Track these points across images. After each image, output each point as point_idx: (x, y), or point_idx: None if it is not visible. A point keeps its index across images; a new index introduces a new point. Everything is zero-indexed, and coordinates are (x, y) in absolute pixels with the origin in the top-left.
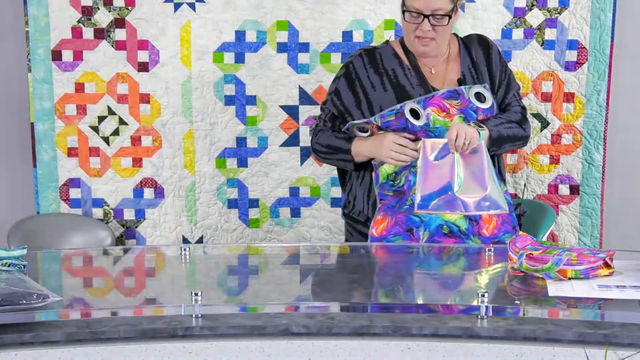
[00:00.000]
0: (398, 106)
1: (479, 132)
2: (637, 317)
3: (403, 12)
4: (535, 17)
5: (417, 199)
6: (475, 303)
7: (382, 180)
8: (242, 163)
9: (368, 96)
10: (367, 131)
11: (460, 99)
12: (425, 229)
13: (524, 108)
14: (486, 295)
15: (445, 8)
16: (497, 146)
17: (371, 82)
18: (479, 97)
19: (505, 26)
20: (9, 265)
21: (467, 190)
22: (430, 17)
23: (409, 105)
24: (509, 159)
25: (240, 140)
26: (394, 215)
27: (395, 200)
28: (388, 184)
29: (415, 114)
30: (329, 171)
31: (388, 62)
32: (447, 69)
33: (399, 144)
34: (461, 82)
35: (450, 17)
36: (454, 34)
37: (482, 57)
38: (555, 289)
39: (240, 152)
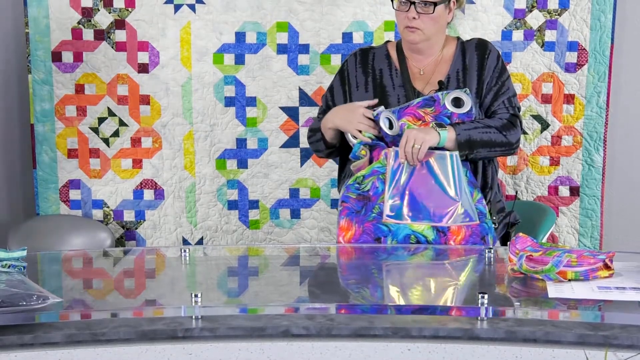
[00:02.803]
0: (375, 113)
1: (439, 134)
2: (637, 318)
3: (392, 1)
4: (535, 19)
5: (386, 208)
6: (475, 304)
7: (350, 182)
8: (242, 164)
9: (352, 95)
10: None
11: (434, 106)
12: (393, 238)
13: (514, 115)
14: (486, 296)
15: None
16: (469, 149)
17: (357, 81)
18: (457, 102)
19: (505, 28)
20: (9, 267)
21: (437, 200)
22: (416, 5)
23: (385, 114)
24: (509, 160)
25: (240, 142)
26: (360, 223)
27: (360, 206)
28: (354, 187)
29: (390, 123)
30: (329, 172)
31: (378, 62)
32: (435, 71)
33: (368, 118)
34: (441, 84)
35: (435, 4)
36: (457, 37)
37: (475, 62)
38: (555, 290)
39: (240, 154)
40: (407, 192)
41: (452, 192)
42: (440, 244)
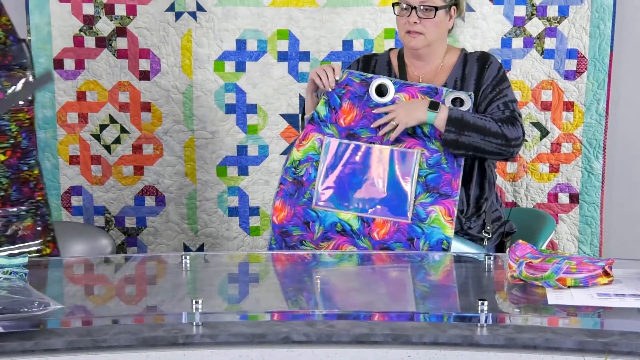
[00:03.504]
0: (370, 75)
1: (426, 115)
2: (636, 325)
3: (394, 7)
4: (534, 27)
5: (315, 195)
6: (474, 311)
7: (288, 165)
8: (243, 171)
9: None
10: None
11: (434, 97)
12: (321, 224)
13: (512, 116)
14: (486, 303)
15: (433, 1)
16: (458, 129)
17: None
18: (456, 102)
19: (505, 35)
20: (10, 274)
21: (368, 192)
22: (418, 9)
23: (380, 79)
24: (509, 167)
25: (241, 149)
26: (293, 206)
27: (294, 189)
28: (290, 171)
29: (380, 92)
30: None
31: (380, 68)
32: (435, 79)
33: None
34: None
35: (436, 9)
36: (462, 49)
37: (475, 72)
38: (554, 297)
39: (241, 161)
40: (338, 181)
41: (406, 187)
42: (364, 235)
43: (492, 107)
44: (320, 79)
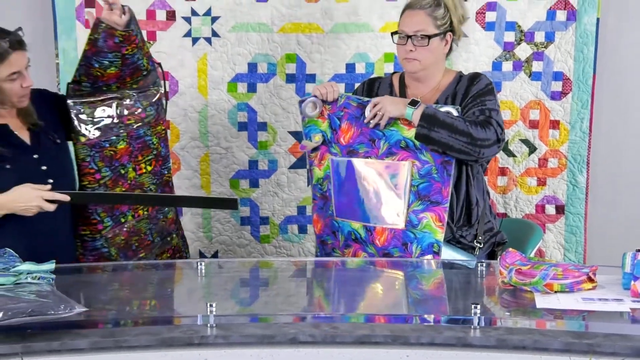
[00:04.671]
0: (366, 99)
1: (406, 107)
2: (619, 327)
3: (392, 36)
4: (523, 51)
5: (334, 208)
6: (468, 314)
7: (315, 182)
8: (254, 184)
9: None
10: (316, 108)
11: None
12: (342, 233)
13: (486, 121)
14: (478, 307)
15: (425, 29)
16: (429, 125)
17: None
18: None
19: (495, 59)
20: (38, 278)
21: (367, 203)
22: (413, 38)
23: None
24: (499, 181)
25: (252, 163)
26: (324, 218)
27: (322, 203)
28: (318, 187)
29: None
30: None
31: (382, 90)
32: (431, 99)
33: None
34: (414, 102)
35: (429, 37)
36: (458, 72)
37: (463, 88)
38: (542, 301)
39: (252, 174)
40: (344, 195)
41: (399, 197)
42: (370, 242)
43: (469, 113)
44: (321, 93)
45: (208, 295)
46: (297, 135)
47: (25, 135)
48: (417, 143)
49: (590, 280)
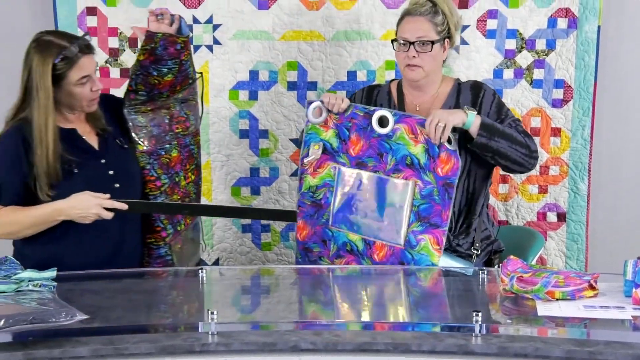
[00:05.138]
0: (372, 108)
1: (467, 114)
2: (620, 335)
3: (393, 43)
4: (524, 59)
5: (331, 216)
6: (470, 322)
7: (304, 190)
8: (255, 191)
9: None
10: (321, 115)
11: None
12: (334, 243)
13: (524, 130)
14: (480, 314)
15: (428, 36)
16: (489, 134)
17: None
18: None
19: (496, 67)
20: (40, 286)
21: (369, 217)
22: (415, 44)
23: (381, 112)
24: (501, 188)
25: (254, 171)
26: (313, 226)
27: (313, 211)
28: (308, 195)
29: (382, 122)
30: None
31: (380, 98)
32: (431, 107)
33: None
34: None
35: (432, 43)
36: (455, 79)
37: (469, 100)
38: (544, 309)
39: (254, 182)
40: (348, 206)
41: (401, 215)
42: (367, 256)
43: (505, 125)
44: (329, 102)
45: (209, 302)
46: (298, 142)
47: (93, 140)
48: (422, 162)
49: (592, 287)
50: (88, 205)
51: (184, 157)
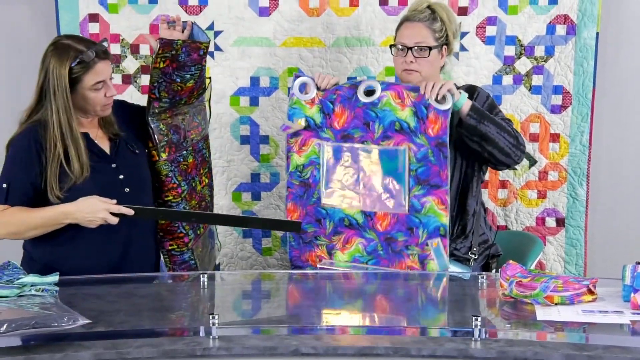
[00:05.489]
0: (359, 79)
1: (460, 94)
2: (619, 340)
3: (391, 48)
4: (523, 65)
5: (323, 194)
6: (469, 326)
7: (292, 169)
8: (256, 197)
9: None
10: (307, 93)
11: (418, 94)
12: (330, 220)
13: (514, 129)
14: (479, 319)
15: (426, 41)
16: (479, 117)
17: None
18: (441, 99)
19: (495, 73)
20: (42, 291)
21: (367, 189)
22: (413, 50)
23: (367, 82)
24: (500, 194)
25: (255, 176)
26: (304, 206)
27: (302, 191)
28: (296, 174)
29: (368, 94)
30: None
31: None
32: None
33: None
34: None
35: (430, 48)
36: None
37: None
38: (542, 313)
39: (254, 187)
40: (338, 181)
41: (399, 182)
42: (369, 227)
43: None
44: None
45: (210, 307)
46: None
47: (105, 145)
48: (412, 125)
49: (591, 292)
50: (95, 210)
51: (198, 162)
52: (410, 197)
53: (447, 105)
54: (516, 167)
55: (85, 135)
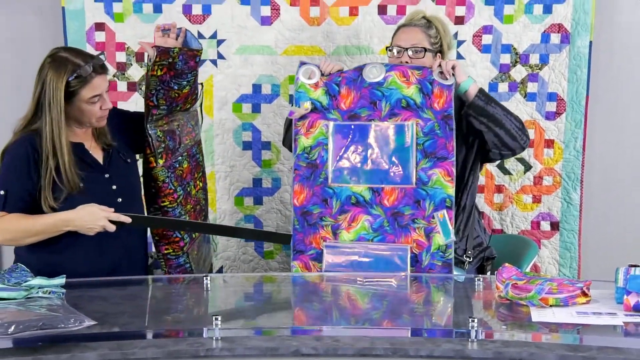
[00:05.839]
0: (364, 64)
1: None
2: (612, 341)
3: (387, 50)
4: (518, 73)
5: (330, 174)
6: (466, 327)
7: (299, 152)
8: (258, 201)
9: None
10: (311, 78)
11: (422, 71)
12: (337, 199)
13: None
14: (476, 320)
15: (422, 44)
16: (486, 99)
17: None
18: (443, 75)
19: (491, 80)
20: (49, 293)
21: (374, 166)
22: (409, 50)
23: (372, 64)
24: (496, 198)
25: (256, 181)
26: (311, 188)
27: (309, 172)
28: (303, 156)
29: (372, 73)
30: None
31: None
32: None
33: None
34: None
35: (425, 50)
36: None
37: (457, 105)
38: (538, 315)
39: (256, 192)
40: (347, 160)
41: (406, 156)
42: (376, 204)
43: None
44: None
45: (213, 309)
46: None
47: (98, 155)
48: (418, 101)
49: (585, 294)
50: (95, 218)
51: (193, 166)
52: (417, 170)
53: (450, 80)
54: (520, 152)
55: (80, 146)
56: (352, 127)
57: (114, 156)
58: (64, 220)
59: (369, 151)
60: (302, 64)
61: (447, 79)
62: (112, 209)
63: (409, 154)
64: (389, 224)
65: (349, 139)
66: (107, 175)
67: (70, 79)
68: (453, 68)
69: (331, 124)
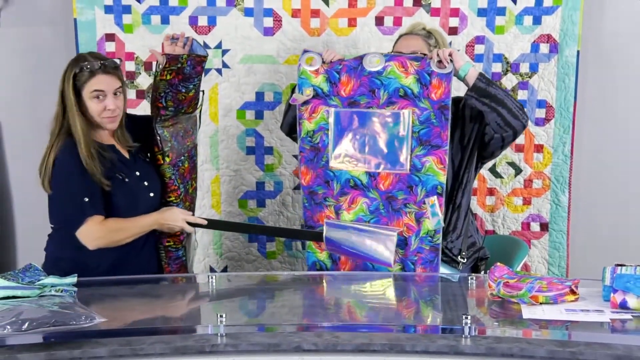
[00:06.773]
0: (363, 54)
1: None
2: (599, 337)
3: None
4: (509, 81)
5: (331, 157)
6: (460, 324)
7: (303, 135)
8: (261, 204)
9: None
10: (312, 66)
11: (421, 62)
12: (337, 181)
13: None
14: (469, 317)
15: (422, 50)
16: (486, 81)
17: None
18: (441, 64)
19: None
20: (61, 291)
21: (371, 151)
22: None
23: (372, 54)
24: (488, 200)
25: (259, 184)
26: (315, 169)
27: (313, 155)
28: (307, 140)
29: (372, 62)
30: None
31: None
32: None
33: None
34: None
35: (425, 55)
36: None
37: (452, 110)
38: (528, 312)
39: (259, 195)
40: (346, 144)
41: (402, 143)
42: (372, 187)
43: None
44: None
45: (218, 306)
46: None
47: (126, 155)
48: (415, 91)
49: (573, 292)
50: (177, 219)
51: (191, 167)
52: (412, 157)
53: (449, 68)
54: (520, 134)
55: (112, 147)
56: (350, 113)
57: (137, 156)
58: (156, 220)
59: (367, 137)
60: (305, 51)
61: (445, 67)
62: (191, 213)
63: (404, 141)
64: (384, 207)
65: (348, 125)
66: (137, 173)
67: (76, 71)
68: (450, 55)
69: (332, 110)
